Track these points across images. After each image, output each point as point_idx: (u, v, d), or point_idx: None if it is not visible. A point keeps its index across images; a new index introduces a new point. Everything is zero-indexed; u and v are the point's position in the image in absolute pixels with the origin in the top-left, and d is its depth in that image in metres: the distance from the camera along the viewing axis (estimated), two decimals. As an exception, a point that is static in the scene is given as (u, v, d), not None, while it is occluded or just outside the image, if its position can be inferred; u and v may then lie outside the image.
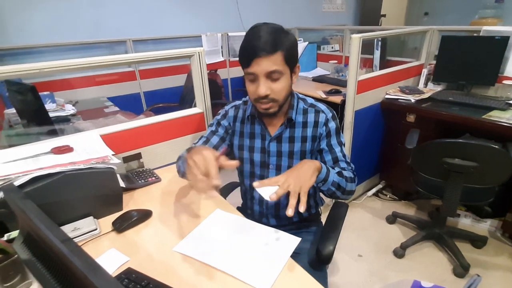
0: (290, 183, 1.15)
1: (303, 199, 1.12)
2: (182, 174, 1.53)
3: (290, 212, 1.08)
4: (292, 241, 1.21)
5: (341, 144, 1.52)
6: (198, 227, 1.33)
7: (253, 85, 1.34)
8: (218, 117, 1.63)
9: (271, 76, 1.30)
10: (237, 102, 1.64)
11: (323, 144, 1.50)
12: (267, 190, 1.16)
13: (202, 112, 2.03)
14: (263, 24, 1.31)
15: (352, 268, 2.51)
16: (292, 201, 1.10)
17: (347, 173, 1.44)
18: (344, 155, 1.51)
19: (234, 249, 1.19)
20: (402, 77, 3.24)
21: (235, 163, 1.15)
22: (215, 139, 1.59)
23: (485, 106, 2.60)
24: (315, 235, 1.65)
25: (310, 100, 1.56)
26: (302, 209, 1.10)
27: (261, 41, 1.26)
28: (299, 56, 3.94)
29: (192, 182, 1.09)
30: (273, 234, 1.26)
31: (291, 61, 1.34)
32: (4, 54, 3.33)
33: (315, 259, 1.44)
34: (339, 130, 1.52)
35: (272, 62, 1.27)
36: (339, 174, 1.40)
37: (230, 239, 1.25)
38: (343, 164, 1.49)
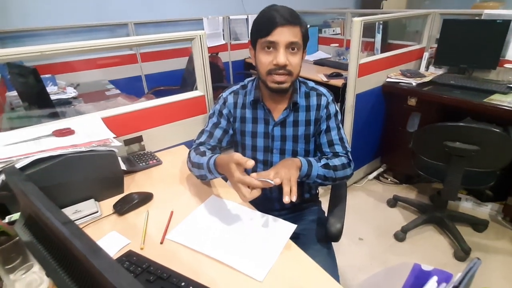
0: (281, 173, 1.20)
1: (294, 189, 1.18)
2: (202, 179, 1.51)
3: (287, 199, 1.14)
4: (288, 228, 1.21)
5: (338, 127, 1.53)
6: (191, 214, 1.32)
7: (268, 55, 1.32)
8: (217, 106, 1.58)
9: (291, 47, 1.30)
10: (235, 88, 1.60)
11: (322, 127, 1.51)
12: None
13: (203, 95, 2.02)
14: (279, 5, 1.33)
15: (352, 251, 2.53)
16: (286, 189, 1.16)
17: (338, 161, 1.46)
18: (340, 138, 1.52)
19: (229, 237, 1.18)
20: (403, 60, 3.22)
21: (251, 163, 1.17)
22: (218, 132, 1.55)
23: (486, 89, 2.59)
24: (318, 215, 1.68)
25: (310, 84, 1.56)
26: (294, 198, 1.15)
27: (283, 13, 1.27)
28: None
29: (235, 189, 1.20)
30: (268, 221, 1.26)
31: (305, 41, 1.36)
32: (6, 37, 3.34)
33: (323, 237, 1.51)
34: (337, 113, 1.54)
35: (294, 33, 1.29)
36: (326, 166, 1.41)
37: (224, 227, 1.24)
38: (338, 148, 1.51)
